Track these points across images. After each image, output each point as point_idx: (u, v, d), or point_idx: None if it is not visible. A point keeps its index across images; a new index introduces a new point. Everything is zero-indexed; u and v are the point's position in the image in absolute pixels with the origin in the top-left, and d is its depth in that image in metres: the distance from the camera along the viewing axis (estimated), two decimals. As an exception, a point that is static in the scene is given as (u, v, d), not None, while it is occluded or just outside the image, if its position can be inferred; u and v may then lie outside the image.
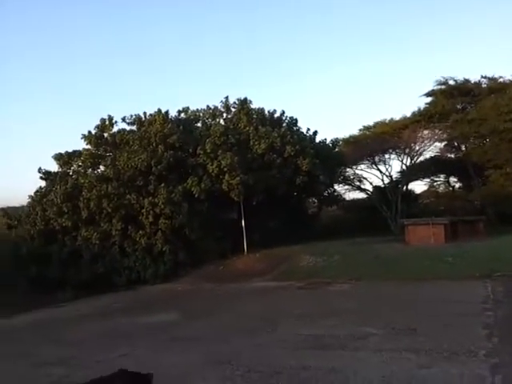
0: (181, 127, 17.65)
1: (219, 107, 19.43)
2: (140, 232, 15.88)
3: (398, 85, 55.68)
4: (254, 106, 19.49)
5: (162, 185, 15.90)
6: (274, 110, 19.93)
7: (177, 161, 16.65)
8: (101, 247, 15.96)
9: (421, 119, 23.63)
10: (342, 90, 55.74)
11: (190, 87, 56.13)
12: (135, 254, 16.03)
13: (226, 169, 16.18)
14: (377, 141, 23.07)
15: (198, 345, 7.78)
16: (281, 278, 14.62)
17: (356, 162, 24.17)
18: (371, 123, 25.51)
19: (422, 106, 25.07)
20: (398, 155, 24.17)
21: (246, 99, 19.22)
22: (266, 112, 19.74)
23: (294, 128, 19.71)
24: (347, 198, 25.06)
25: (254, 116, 18.93)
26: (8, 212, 17.98)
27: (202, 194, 16.11)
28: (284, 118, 20.04)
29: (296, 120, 20.09)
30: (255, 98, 22.65)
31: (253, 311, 10.46)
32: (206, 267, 16.65)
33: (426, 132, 23.36)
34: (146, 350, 7.59)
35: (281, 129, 18.44)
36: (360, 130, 25.72)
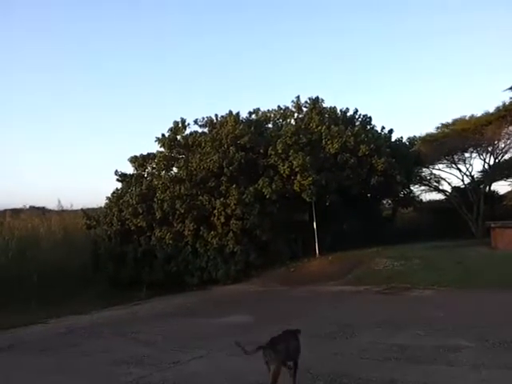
0: (252, 128, 17.55)
1: (290, 107, 19.18)
2: (212, 233, 15.93)
3: (477, 79, 52.78)
4: (325, 104, 19.09)
5: (234, 186, 15.87)
6: (347, 109, 19.36)
7: (248, 162, 16.56)
8: (174, 247, 16.20)
9: (506, 114, 21.95)
10: (418, 85, 53.67)
11: (260, 88, 56.50)
12: (207, 254, 16.10)
13: (297, 169, 15.86)
14: (456, 139, 21.66)
15: (273, 350, 7.50)
16: (356, 282, 14.06)
17: (433, 162, 22.86)
18: (450, 120, 24.06)
19: (507, 101, 23.30)
20: (480, 154, 22.58)
21: (317, 98, 18.82)
22: (338, 111, 19.20)
23: (368, 126, 19.03)
24: (424, 200, 23.86)
25: (326, 115, 18.47)
26: (87, 213, 18.73)
27: (273, 195, 15.89)
28: (357, 117, 19.41)
29: (370, 118, 19.40)
30: (327, 96, 22.12)
31: (328, 316, 10.03)
32: (277, 269, 16.42)
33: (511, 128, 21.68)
34: (222, 353, 7.41)
35: (354, 128, 17.86)
36: (437, 127, 24.24)
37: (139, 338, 8.51)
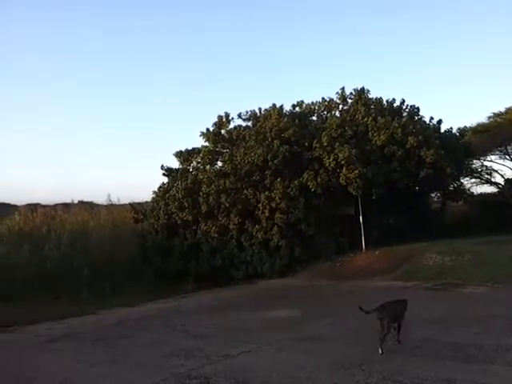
0: (296, 121, 17.39)
1: (335, 99, 18.86)
2: (256, 226, 15.93)
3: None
4: (371, 95, 18.64)
5: (278, 179, 15.79)
6: (393, 99, 18.84)
7: (292, 155, 16.42)
8: (219, 241, 16.32)
9: None
10: (468, 73, 51.63)
11: (304, 80, 55.94)
12: (252, 248, 16.12)
13: (343, 162, 15.58)
14: (510, 128, 20.78)
15: (323, 345, 7.39)
16: (404, 277, 13.69)
17: (485, 153, 22.02)
18: (502, 109, 23.03)
19: None
20: (536, 144, 21.59)
21: (363, 89, 18.41)
22: (385, 101, 18.72)
23: (416, 117, 18.45)
24: (475, 192, 22.98)
25: (372, 106, 18.05)
26: (135, 207, 19.13)
27: (319, 189, 15.71)
28: (404, 107, 18.86)
29: (418, 109, 18.81)
30: (372, 87, 21.51)
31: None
32: (323, 263, 16.24)
33: None
34: (270, 348, 7.37)
35: (401, 119, 17.35)
36: (489, 117, 23.31)
37: (188, 331, 8.59)
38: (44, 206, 21.39)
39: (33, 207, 20.66)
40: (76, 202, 22.91)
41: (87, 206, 20.99)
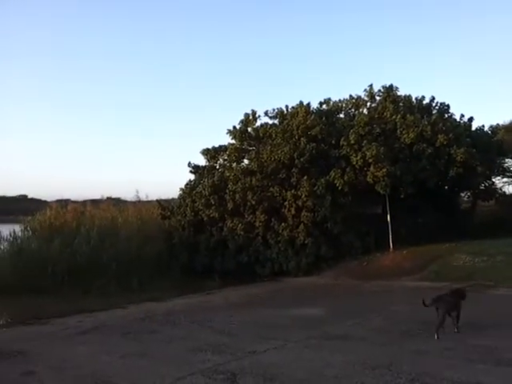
0: (323, 119, 17.27)
1: (363, 96, 18.64)
2: (282, 224, 15.90)
3: None
4: (400, 93, 18.35)
5: (305, 177, 15.72)
6: (423, 97, 18.50)
7: (319, 153, 16.32)
8: (245, 238, 16.34)
9: None
10: (501, 70, 50.40)
11: (331, 78, 55.66)
12: (278, 245, 16.10)
13: (370, 160, 15.40)
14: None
15: (350, 344, 7.34)
16: (432, 277, 13.49)
17: (518, 152, 21.41)
18: (537, 107, 22.38)
19: None
20: None
21: (391, 86, 18.14)
22: (414, 99, 18.41)
23: (446, 115, 18.07)
24: (507, 192, 22.38)
25: (401, 104, 17.78)
26: (162, 203, 19.33)
27: (346, 187, 15.57)
28: (434, 105, 18.50)
29: (448, 106, 18.42)
30: (401, 84, 21.03)
31: (405, 312, 9.67)
32: (349, 262, 16.12)
33: None
34: (297, 345, 7.37)
35: (431, 116, 17.04)
36: (523, 115, 22.71)
37: (214, 327, 8.64)
38: (74, 202, 21.81)
39: (63, 203, 21.10)
40: (105, 198, 23.32)
41: (115, 203, 21.28)
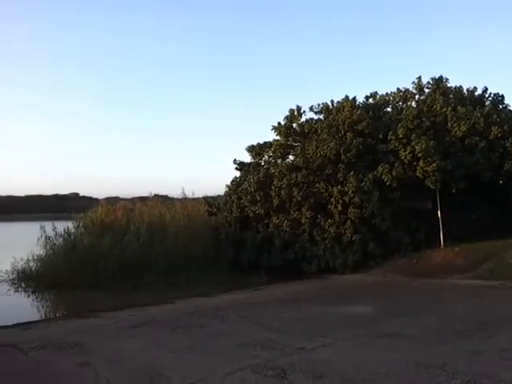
0: (370, 113, 16.93)
1: (411, 89, 18.14)
2: (329, 221, 15.70)
3: None
4: (450, 84, 17.74)
5: (352, 173, 15.46)
6: (475, 88, 17.81)
7: (366, 148, 16.01)
8: (291, 235, 16.25)
9: None
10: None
11: (377, 71, 54.69)
12: (324, 242, 15.92)
13: (420, 154, 14.97)
14: None
15: (402, 343, 7.15)
16: (487, 276, 12.97)
17: None
18: None
19: None
20: None
21: (441, 78, 17.55)
22: (465, 90, 17.76)
23: (500, 106, 17.31)
24: None
25: (451, 95, 17.19)
26: (208, 200, 19.54)
27: (394, 182, 15.21)
28: (487, 96, 17.76)
29: (502, 97, 17.62)
30: (451, 75, 20.13)
31: (459, 311, 9.36)
32: (398, 259, 15.72)
33: None
34: (346, 343, 7.27)
35: (484, 108, 16.39)
36: None
37: (263, 323, 8.64)
38: (122, 200, 22.40)
39: (112, 200, 21.71)
40: (152, 195, 23.78)
41: (163, 200, 21.66)
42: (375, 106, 18.08)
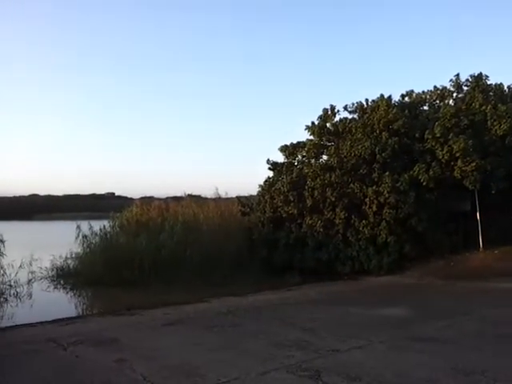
0: (406, 112, 16.62)
1: (448, 87, 17.73)
2: (363, 221, 15.49)
3: None
4: (490, 81, 17.25)
5: (387, 173, 15.20)
6: (517, 84, 17.25)
7: (402, 147, 15.73)
8: (324, 235, 16.11)
9: None
10: None
11: (413, 69, 53.66)
12: (358, 243, 15.71)
13: (458, 154, 14.61)
14: None
15: (440, 348, 6.97)
16: (529, 280, 12.53)
17: None
18: None
19: None
20: None
21: (480, 75, 17.09)
22: (506, 87, 17.24)
23: (544, 103, 16.71)
24: None
25: (491, 93, 16.72)
26: (241, 200, 19.59)
27: (431, 183, 14.88)
28: (530, 93, 17.20)
29: (546, 94, 17.03)
30: (491, 73, 19.46)
31: (500, 316, 9.07)
32: (434, 262, 15.37)
33: None
34: (382, 346, 7.14)
35: (526, 105, 15.84)
36: None
37: (296, 323, 8.60)
38: (157, 199, 22.72)
39: (147, 200, 22.05)
40: (186, 195, 24.02)
41: (196, 200, 21.84)
42: (411, 105, 17.75)
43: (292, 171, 17.39)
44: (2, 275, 14.48)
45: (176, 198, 22.38)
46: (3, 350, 7.31)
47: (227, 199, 21.14)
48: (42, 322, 9.38)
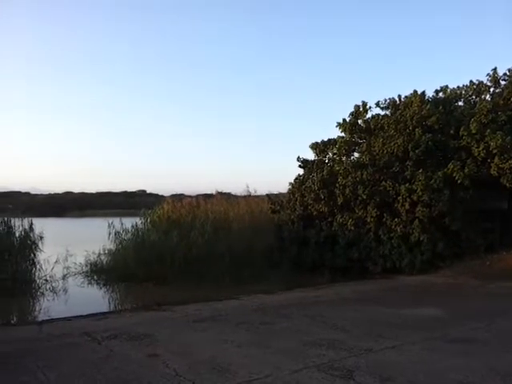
0: (440, 107, 16.25)
1: (485, 81, 17.22)
2: (396, 220, 15.25)
3: None
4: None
5: (420, 170, 14.91)
6: (559, 79, 16.60)
7: (436, 144, 15.39)
8: (355, 233, 15.93)
9: None
10: None
11: (447, 64, 52.48)
12: (390, 242, 15.47)
13: (495, 151, 14.19)
14: None
15: (476, 349, 6.80)
16: None
17: None
18: None
19: None
20: None
21: (519, 68, 16.53)
22: (548, 81, 16.59)
23: None
24: None
25: (532, 87, 16.13)
26: (271, 198, 19.55)
27: (466, 180, 14.50)
28: None
29: None
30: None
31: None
32: (469, 261, 15.02)
33: None
34: (415, 346, 7.00)
35: None
36: None
37: (327, 322, 8.53)
38: (187, 197, 22.91)
39: (177, 197, 22.26)
40: (215, 192, 24.14)
41: (226, 197, 21.92)
42: (446, 101, 17.34)
43: (323, 169, 17.23)
44: (39, 270, 14.94)
45: (206, 196, 22.52)
46: (43, 343, 7.52)
47: (257, 197, 21.15)
48: (76, 316, 9.60)
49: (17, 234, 15.00)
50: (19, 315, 11.73)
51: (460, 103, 17.53)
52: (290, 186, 18.49)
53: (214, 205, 19.74)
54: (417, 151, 15.13)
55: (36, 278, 14.78)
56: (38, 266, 14.99)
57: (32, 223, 15.45)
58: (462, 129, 15.02)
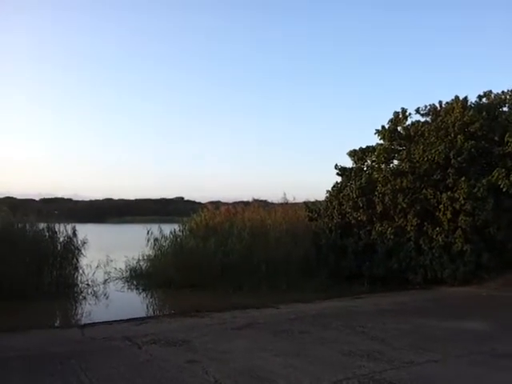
0: (483, 113, 15.76)
1: (532, 86, 16.62)
2: (437, 229, 14.82)
3: None
4: None
5: (463, 178, 14.46)
6: None
7: (479, 151, 14.94)
8: (395, 243, 15.57)
9: None
10: None
11: (491, 68, 51.07)
12: (431, 251, 15.03)
13: (543, 158, 13.64)
14: None
15: (525, 365, 6.52)
16: None
17: None
18: None
19: None
20: None
21: None
22: None
23: None
24: None
25: None
26: (309, 206, 19.43)
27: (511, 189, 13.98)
28: None
29: None
30: None
31: None
32: (515, 273, 14.45)
33: None
34: (459, 360, 6.79)
35: None
36: None
37: (367, 333, 8.37)
38: (224, 204, 23.09)
39: (215, 204, 22.46)
40: (252, 200, 24.21)
41: (263, 204, 21.95)
42: (489, 106, 16.80)
43: (361, 176, 16.99)
44: (81, 275, 15.35)
45: (243, 203, 22.62)
46: (86, 346, 7.72)
47: (294, 204, 21.07)
48: (117, 321, 9.80)
49: (61, 239, 15.48)
50: (62, 318, 12.09)
51: (505, 109, 16.94)
52: (328, 194, 18.30)
53: (251, 212, 19.80)
54: (459, 158, 14.71)
55: (78, 283, 15.21)
56: (80, 271, 15.42)
57: (75, 229, 15.91)
58: (507, 135, 14.51)
